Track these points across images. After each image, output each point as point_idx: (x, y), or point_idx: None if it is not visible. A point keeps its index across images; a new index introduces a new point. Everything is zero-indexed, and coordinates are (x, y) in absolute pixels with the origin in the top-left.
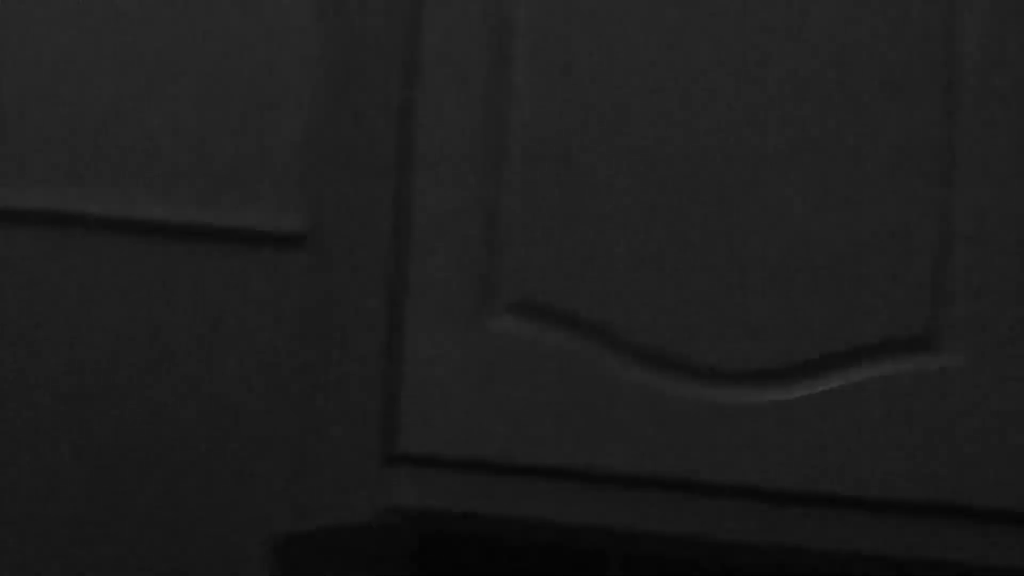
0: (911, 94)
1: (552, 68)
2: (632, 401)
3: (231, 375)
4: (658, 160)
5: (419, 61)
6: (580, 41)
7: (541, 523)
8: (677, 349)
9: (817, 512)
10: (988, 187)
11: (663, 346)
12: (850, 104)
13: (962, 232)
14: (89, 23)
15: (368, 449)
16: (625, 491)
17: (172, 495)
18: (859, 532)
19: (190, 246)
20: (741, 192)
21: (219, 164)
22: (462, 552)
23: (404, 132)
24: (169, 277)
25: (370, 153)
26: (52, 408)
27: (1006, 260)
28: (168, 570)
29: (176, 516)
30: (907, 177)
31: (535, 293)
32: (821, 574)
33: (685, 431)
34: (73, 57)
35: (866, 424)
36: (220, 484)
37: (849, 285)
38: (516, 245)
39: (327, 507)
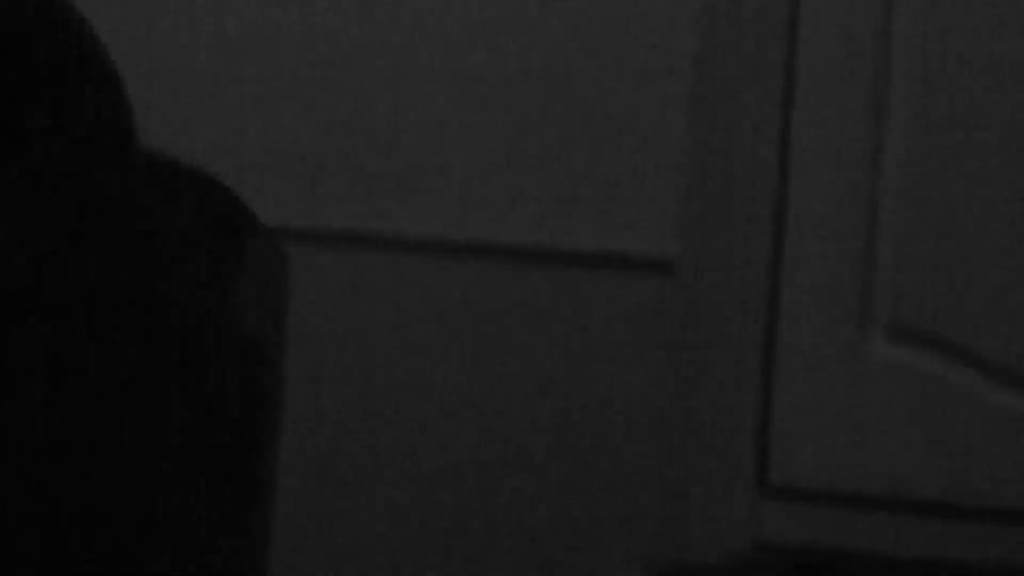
0: None
1: (932, 79)
2: (1011, 433)
3: (601, 402)
4: None
5: (792, 88)
6: (962, 45)
7: (917, 560)
8: None
9: None
10: None
11: None
12: None
13: None
14: (431, 43)
15: (741, 480)
16: (1001, 526)
17: (543, 522)
18: None
19: (558, 271)
20: None
21: (588, 189)
22: None
23: (778, 157)
24: (538, 303)
25: (741, 177)
26: (408, 432)
27: None
28: None
29: (549, 544)
30: None
31: (911, 317)
32: None
33: None
34: (420, 73)
35: None
36: (592, 512)
37: None
38: (891, 268)
39: (700, 538)
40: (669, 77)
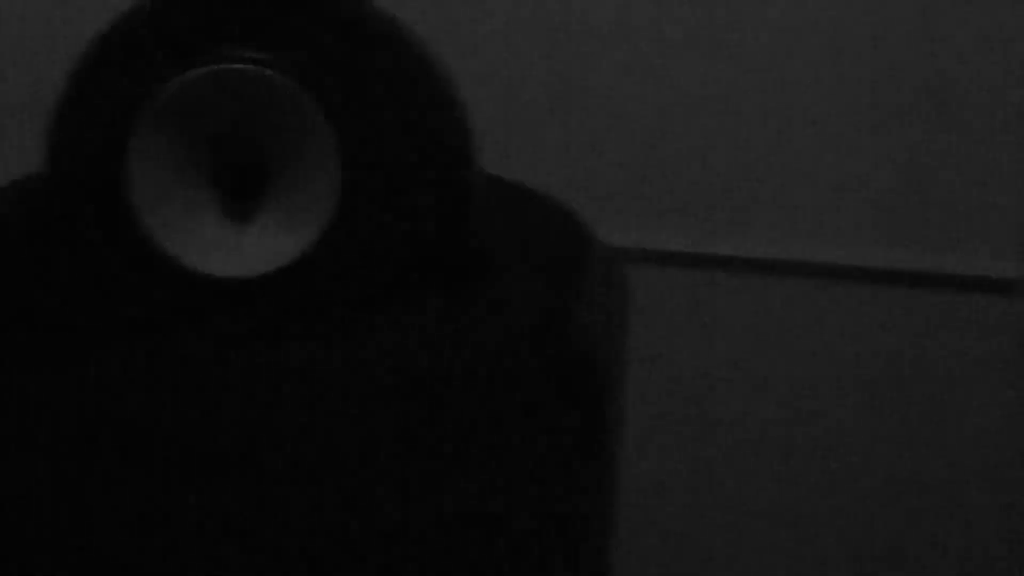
0: None
1: None
2: None
3: (942, 421)
4: None
5: None
6: None
7: None
8: None
9: None
10: None
11: None
12: None
13: None
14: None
15: None
16: None
17: (881, 540)
18: None
19: (898, 291)
20: None
21: (928, 210)
22: None
23: None
24: (874, 323)
25: None
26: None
27: None
28: None
29: (890, 565)
30: None
31: None
32: None
33: None
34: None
35: None
36: (933, 537)
37: None
38: None
39: None
40: (1015, 92)
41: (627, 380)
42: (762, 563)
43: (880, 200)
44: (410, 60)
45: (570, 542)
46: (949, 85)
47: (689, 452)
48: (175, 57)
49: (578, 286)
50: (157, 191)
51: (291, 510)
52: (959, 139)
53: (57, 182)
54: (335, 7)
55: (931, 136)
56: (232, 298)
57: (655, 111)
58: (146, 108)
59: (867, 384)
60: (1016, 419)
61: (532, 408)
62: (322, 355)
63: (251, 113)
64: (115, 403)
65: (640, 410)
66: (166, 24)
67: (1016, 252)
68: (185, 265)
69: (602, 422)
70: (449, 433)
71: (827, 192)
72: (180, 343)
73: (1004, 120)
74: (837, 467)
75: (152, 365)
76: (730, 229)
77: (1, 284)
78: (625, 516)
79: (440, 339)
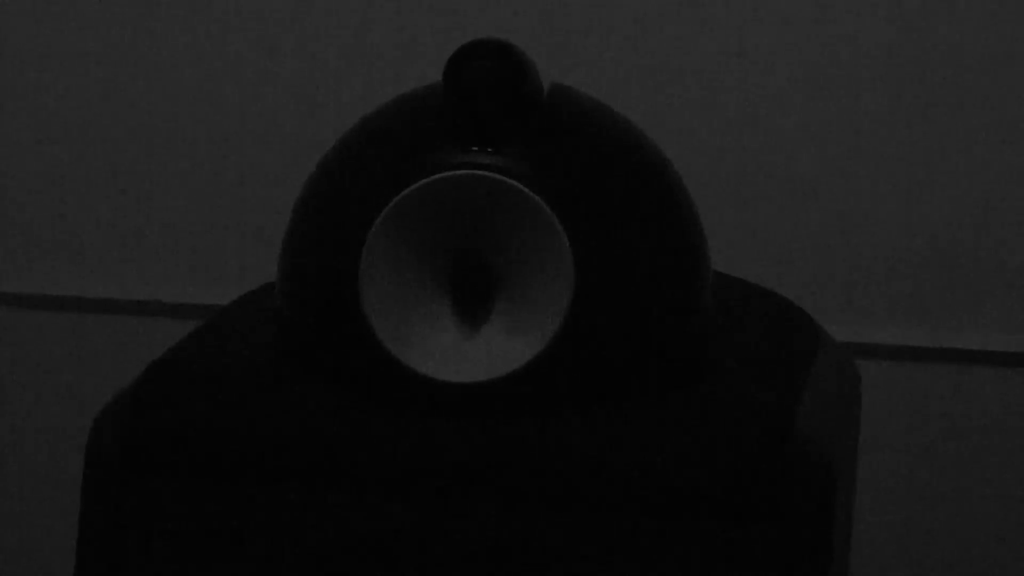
0: None
1: None
2: None
3: None
4: None
5: None
6: None
7: None
8: None
9: None
10: None
11: None
12: None
13: None
14: None
15: None
16: None
17: None
18: None
19: None
20: None
21: None
22: None
23: None
24: None
25: None
26: None
27: None
28: None
29: None
30: None
31: None
32: None
33: None
34: None
35: None
36: None
37: None
38: None
39: None
40: None
41: (858, 473)
42: None
43: None
44: (642, 163)
45: None
46: None
47: (921, 547)
48: (407, 166)
49: (801, 380)
50: (389, 298)
51: None
52: None
53: (291, 292)
54: (565, 111)
55: None
56: (464, 403)
57: (879, 203)
58: (380, 216)
59: None
60: None
61: (751, 499)
62: (552, 457)
63: (482, 219)
64: (362, 513)
65: (870, 504)
66: (399, 132)
67: None
68: (417, 372)
69: (830, 531)
70: (665, 538)
71: None
72: (415, 448)
73: None
74: None
75: (392, 470)
76: (964, 320)
77: (238, 393)
78: None
79: (665, 441)
